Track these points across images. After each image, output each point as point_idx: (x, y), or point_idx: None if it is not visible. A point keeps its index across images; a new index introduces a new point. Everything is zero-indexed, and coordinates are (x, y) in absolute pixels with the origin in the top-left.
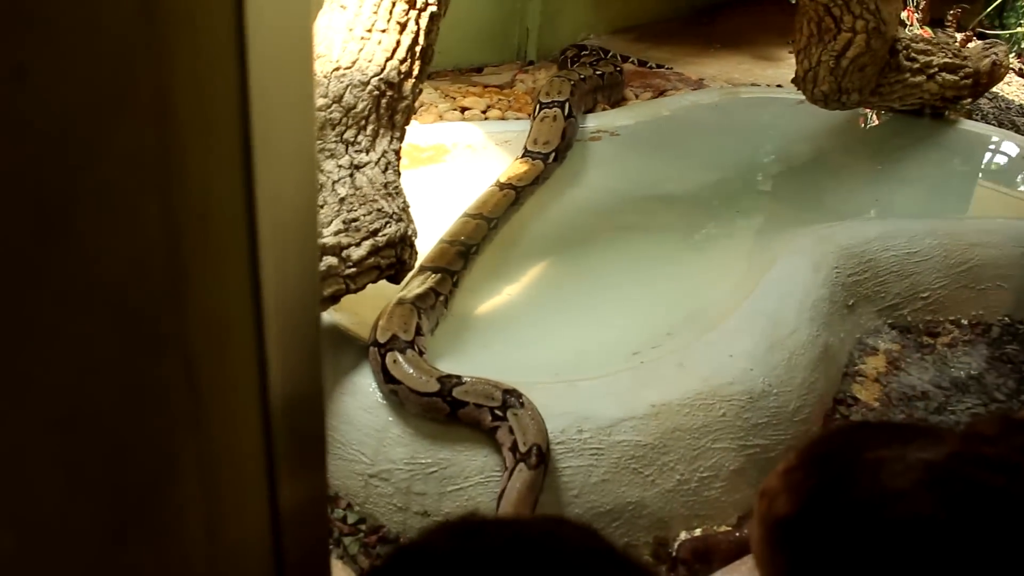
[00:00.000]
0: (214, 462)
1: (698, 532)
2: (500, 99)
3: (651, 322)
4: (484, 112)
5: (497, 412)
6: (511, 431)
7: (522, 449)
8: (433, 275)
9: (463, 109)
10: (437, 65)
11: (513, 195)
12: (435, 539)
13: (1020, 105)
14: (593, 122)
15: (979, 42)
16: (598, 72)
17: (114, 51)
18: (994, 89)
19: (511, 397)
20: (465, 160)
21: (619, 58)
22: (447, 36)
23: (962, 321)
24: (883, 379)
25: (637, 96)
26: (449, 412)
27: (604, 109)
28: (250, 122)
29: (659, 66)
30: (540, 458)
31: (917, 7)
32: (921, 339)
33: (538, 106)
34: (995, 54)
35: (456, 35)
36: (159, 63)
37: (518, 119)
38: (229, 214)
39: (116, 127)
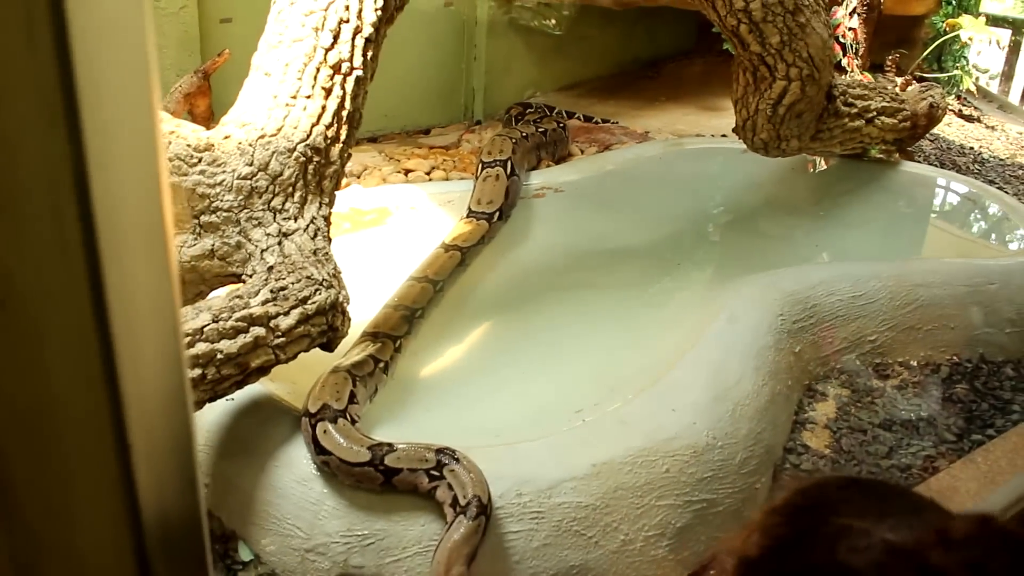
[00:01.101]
0: None
1: None
2: (445, 160)
3: (596, 379)
4: (428, 173)
5: (433, 472)
6: (450, 487)
7: (462, 502)
8: (374, 342)
9: (407, 171)
10: (384, 128)
11: (459, 256)
12: None
13: (960, 146)
14: (537, 179)
15: (915, 86)
16: (540, 129)
17: None
18: (935, 131)
19: (444, 456)
20: (408, 222)
21: (564, 114)
22: (393, 99)
23: (911, 362)
24: (833, 425)
25: (582, 151)
26: (383, 481)
27: (548, 166)
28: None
29: (604, 121)
30: (480, 509)
31: (856, 54)
32: (871, 383)
33: (480, 165)
34: (931, 96)
35: (402, 98)
36: None
37: (462, 179)
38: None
39: None
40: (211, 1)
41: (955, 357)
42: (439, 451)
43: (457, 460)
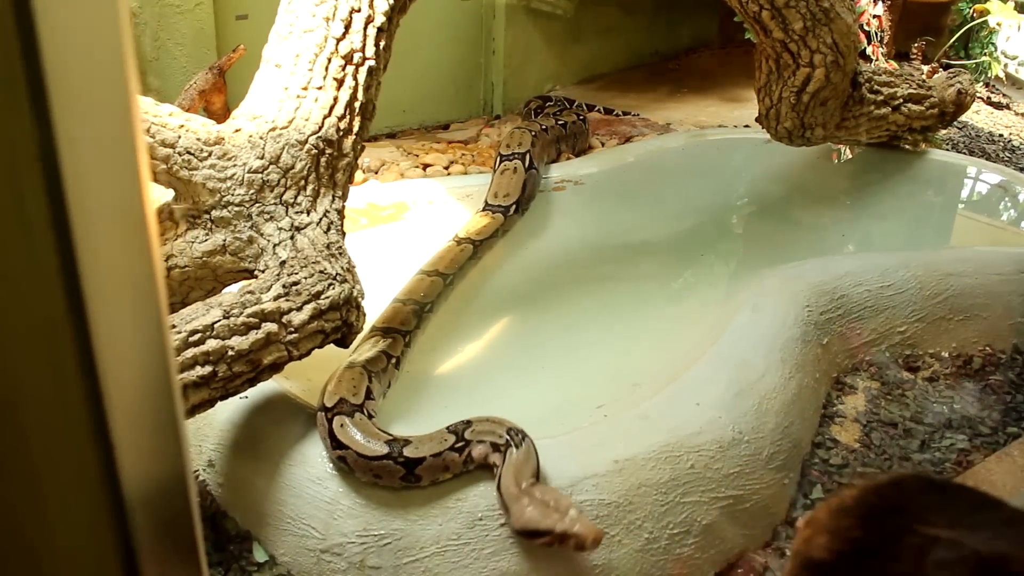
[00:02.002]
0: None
1: None
2: (464, 154)
3: (617, 374)
4: (446, 168)
5: (457, 447)
6: (480, 442)
7: (500, 443)
8: (384, 337)
9: (425, 166)
10: (402, 124)
11: (471, 250)
12: None
13: (989, 133)
14: (557, 172)
15: (942, 73)
16: (560, 122)
17: None
18: (963, 118)
19: (459, 427)
20: (426, 216)
21: (584, 107)
22: (411, 94)
23: (942, 354)
24: (863, 418)
25: (603, 144)
26: (405, 473)
27: (568, 158)
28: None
29: (625, 113)
30: (520, 435)
31: (881, 42)
32: (901, 375)
33: (499, 159)
34: (960, 83)
35: (421, 93)
36: None
37: (481, 173)
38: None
39: None
40: None
41: (988, 348)
42: (451, 429)
43: (470, 423)
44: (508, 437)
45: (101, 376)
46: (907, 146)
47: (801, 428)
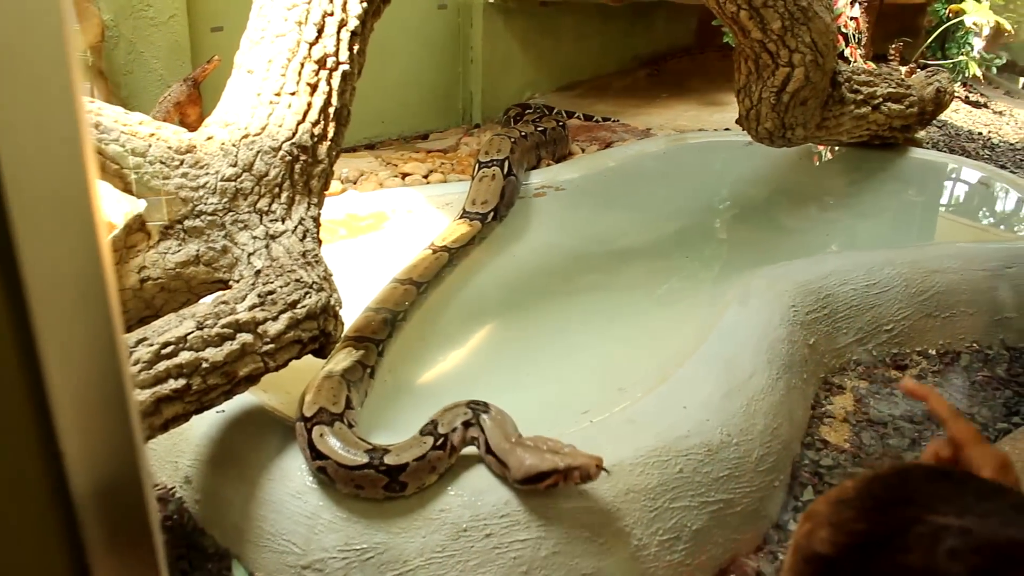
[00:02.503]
0: None
1: None
2: (443, 163)
3: (601, 380)
4: (426, 177)
5: (438, 445)
6: (453, 429)
7: (468, 417)
8: (356, 346)
9: (404, 175)
10: (381, 134)
11: (446, 257)
12: None
13: (969, 131)
14: (537, 178)
15: (922, 72)
16: (540, 128)
17: None
18: (942, 117)
19: (429, 427)
20: (405, 225)
21: (563, 114)
22: (390, 105)
23: (929, 351)
24: (852, 418)
25: (583, 150)
26: (388, 482)
27: (548, 164)
28: None
29: (605, 119)
30: (482, 403)
31: (859, 44)
32: (889, 373)
33: (477, 165)
34: (938, 81)
35: (400, 103)
36: None
37: (460, 180)
38: None
39: None
40: (201, 10)
41: (975, 344)
42: (425, 431)
43: (435, 421)
44: (471, 409)
45: (45, 370)
46: (896, 141)
47: (790, 429)
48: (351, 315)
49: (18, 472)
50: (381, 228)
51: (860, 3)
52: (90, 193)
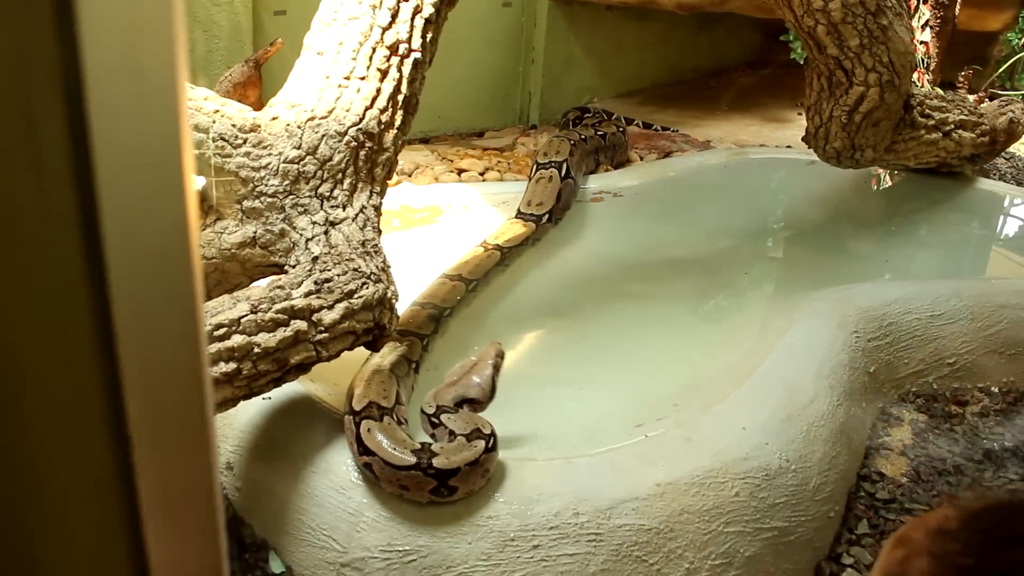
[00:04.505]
0: None
1: None
2: (499, 161)
3: (656, 392)
4: (482, 174)
5: (488, 448)
6: (481, 427)
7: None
8: (401, 340)
9: (460, 171)
10: (437, 129)
11: (498, 256)
12: None
13: None
14: (595, 183)
15: (994, 101)
16: (600, 133)
17: None
18: (1010, 149)
19: (472, 433)
20: (459, 221)
21: (623, 120)
22: (447, 100)
23: (992, 388)
24: (909, 452)
25: (642, 158)
26: (437, 485)
27: (607, 170)
28: None
29: (664, 128)
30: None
31: (928, 69)
32: (949, 408)
33: (535, 166)
34: (1012, 111)
35: (457, 99)
36: None
37: (517, 180)
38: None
39: None
40: None
41: None
42: (471, 437)
43: (481, 427)
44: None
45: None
46: (966, 172)
47: (848, 459)
48: (403, 308)
49: (89, 459)
50: (435, 222)
51: (932, 27)
52: (182, 165)
